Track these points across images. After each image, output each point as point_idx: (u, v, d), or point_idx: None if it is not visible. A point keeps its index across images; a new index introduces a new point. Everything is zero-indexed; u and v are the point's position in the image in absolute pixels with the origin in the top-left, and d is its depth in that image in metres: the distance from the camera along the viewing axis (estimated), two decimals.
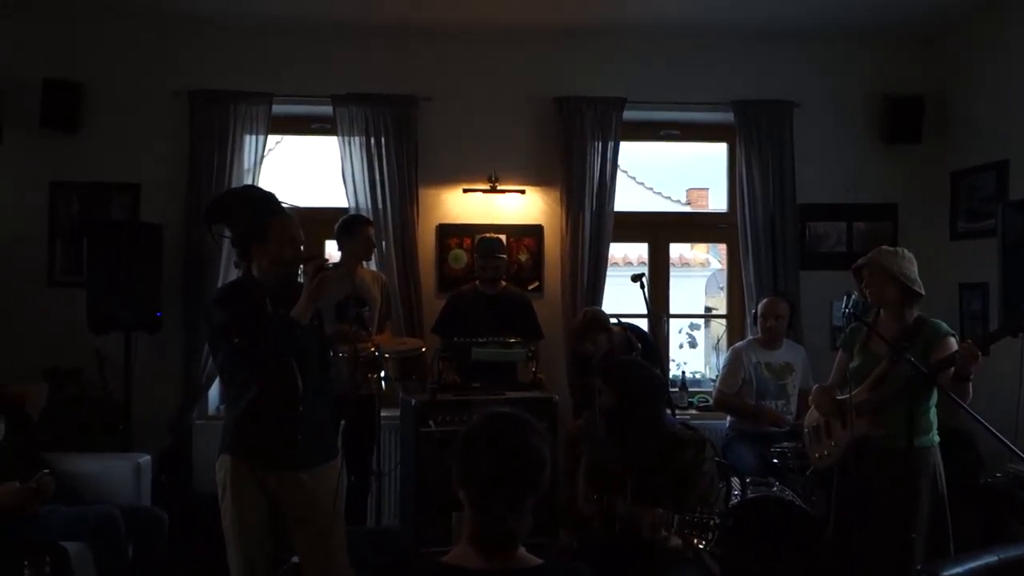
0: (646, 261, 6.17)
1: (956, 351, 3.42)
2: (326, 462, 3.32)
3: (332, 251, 5.46)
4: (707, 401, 5.96)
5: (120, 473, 4.62)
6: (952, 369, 3.42)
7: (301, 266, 3.30)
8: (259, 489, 3.21)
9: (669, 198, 12.22)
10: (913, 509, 3.51)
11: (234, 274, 5.32)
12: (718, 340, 6.20)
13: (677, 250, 6.36)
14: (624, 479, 3.51)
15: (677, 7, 5.29)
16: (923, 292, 3.67)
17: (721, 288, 6.40)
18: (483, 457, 1.91)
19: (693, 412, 5.85)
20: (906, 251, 3.73)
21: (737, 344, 5.37)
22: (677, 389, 5.92)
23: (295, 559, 3.60)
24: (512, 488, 1.89)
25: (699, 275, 11.79)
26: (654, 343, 5.11)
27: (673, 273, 6.27)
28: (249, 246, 3.25)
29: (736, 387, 5.11)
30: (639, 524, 3.34)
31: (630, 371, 3.60)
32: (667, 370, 5.88)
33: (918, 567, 2.66)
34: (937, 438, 3.71)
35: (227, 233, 3.33)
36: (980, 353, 3.35)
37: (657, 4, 5.24)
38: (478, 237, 5.50)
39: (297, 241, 3.24)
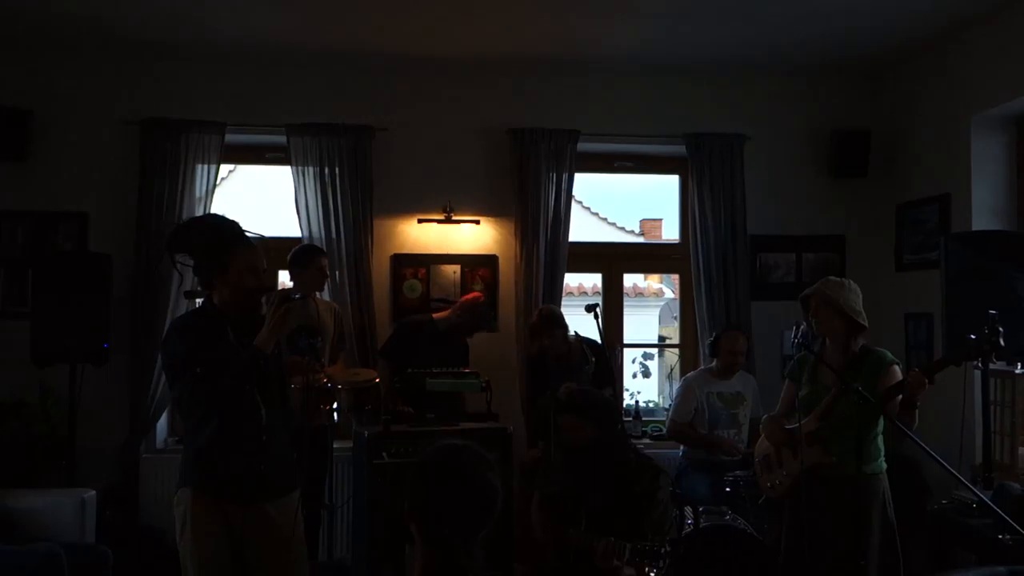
0: (600, 291, 6.20)
1: (904, 379, 3.49)
2: (289, 493, 3.27)
3: (285, 281, 5.41)
4: (660, 430, 5.99)
5: (64, 509, 4.50)
6: (900, 397, 3.49)
7: (263, 296, 3.25)
8: (222, 523, 3.14)
9: (623, 228, 12.37)
10: (864, 536, 3.56)
11: (184, 305, 5.29)
12: (671, 369, 6.25)
13: (631, 280, 6.40)
14: (578, 509, 3.52)
15: (629, 42, 5.36)
16: (866, 324, 3.74)
17: (675, 317, 6.45)
18: (435, 489, 1.90)
19: (647, 441, 5.88)
20: (851, 282, 3.81)
21: (689, 374, 5.42)
22: (631, 418, 5.94)
23: None
24: (464, 521, 1.88)
25: (653, 305, 11.90)
26: (609, 359, 5.16)
27: (627, 303, 6.31)
28: (211, 275, 3.19)
29: (689, 416, 5.17)
30: (592, 553, 3.34)
31: (599, 401, 3.63)
32: (621, 395, 5.92)
33: None
34: (885, 465, 3.77)
35: (189, 262, 3.26)
36: (927, 381, 3.42)
37: (610, 39, 5.31)
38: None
39: (259, 270, 3.19)
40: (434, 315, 5.28)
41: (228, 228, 3.25)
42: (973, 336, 3.45)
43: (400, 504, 1.94)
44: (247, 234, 3.26)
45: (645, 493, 3.46)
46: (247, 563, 3.20)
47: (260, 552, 3.19)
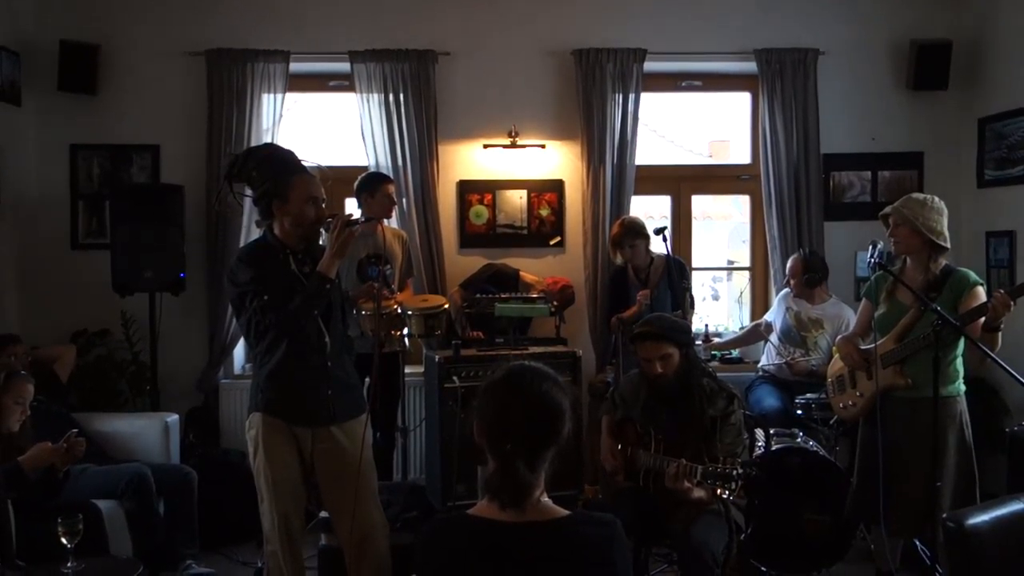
0: (668, 215, 6.12)
1: (987, 301, 3.38)
2: (355, 416, 3.36)
3: (353, 209, 5.44)
4: (731, 353, 5.96)
5: (149, 433, 4.70)
6: (982, 320, 3.39)
7: (323, 225, 3.28)
8: (291, 445, 3.27)
9: (691, 151, 12.12)
10: (940, 459, 3.49)
11: (256, 233, 5.36)
12: (740, 293, 6.16)
13: (699, 205, 6.29)
14: (649, 432, 3.53)
15: None
16: (948, 245, 3.61)
17: (744, 241, 6.34)
18: (498, 403, 1.92)
19: (716, 364, 5.84)
20: (935, 200, 3.65)
21: (786, 290, 5.34)
22: (701, 342, 5.90)
23: (323, 514, 3.66)
24: (528, 439, 1.89)
25: (721, 228, 11.70)
26: (688, 278, 5.18)
27: (695, 225, 6.21)
28: (271, 205, 3.24)
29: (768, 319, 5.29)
30: (662, 476, 3.36)
31: (678, 323, 3.62)
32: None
33: (944, 516, 2.64)
34: (963, 387, 3.68)
35: (248, 192, 3.31)
36: (1012, 303, 3.31)
37: None
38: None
39: (319, 200, 3.24)
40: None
41: (286, 158, 3.28)
42: None
43: (471, 425, 1.97)
44: (304, 163, 3.29)
45: (719, 416, 3.45)
46: (318, 483, 3.35)
47: (328, 473, 3.31)
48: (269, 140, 5.44)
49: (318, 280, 3.16)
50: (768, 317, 5.33)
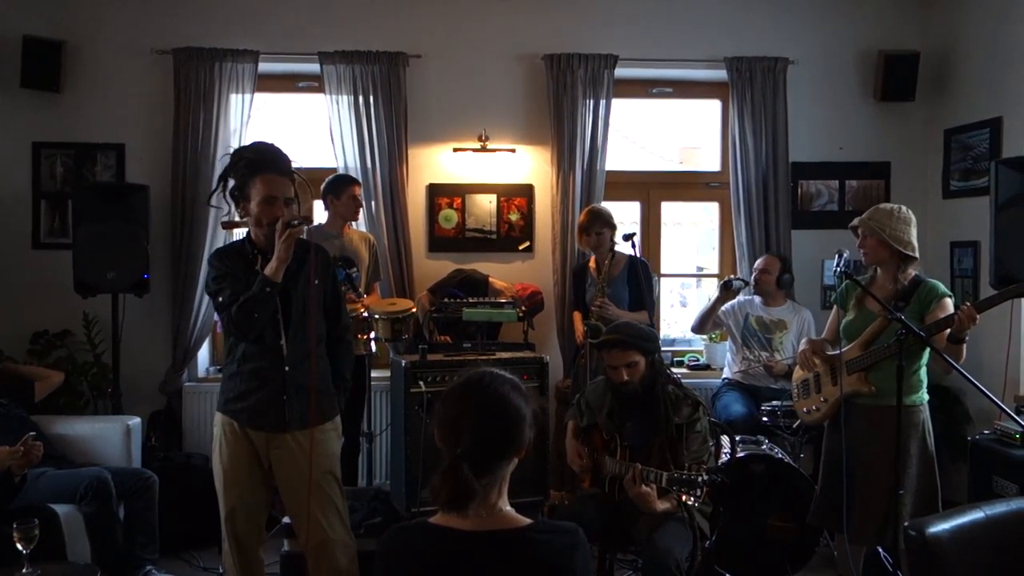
0: (637, 221, 6.13)
1: (954, 313, 3.40)
2: (322, 422, 3.30)
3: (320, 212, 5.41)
4: (698, 360, 5.98)
5: (110, 436, 4.62)
6: (948, 331, 3.41)
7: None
8: (247, 447, 3.25)
9: (661, 157, 12.16)
10: (902, 467, 3.52)
11: (222, 236, 5.32)
12: (709, 299, 6.19)
13: (669, 211, 6.30)
14: (613, 438, 3.53)
15: None
16: (916, 256, 3.64)
17: (713, 248, 6.36)
18: (456, 409, 1.90)
19: (684, 371, 5.86)
20: (904, 210, 3.66)
21: (741, 298, 5.37)
22: (668, 348, 5.95)
23: (286, 519, 3.62)
24: (481, 441, 1.87)
25: (690, 235, 11.76)
26: (650, 279, 5.18)
27: (664, 232, 6.22)
28: (236, 204, 3.23)
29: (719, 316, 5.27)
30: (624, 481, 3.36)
31: (643, 331, 3.61)
32: (658, 323, 5.89)
33: (906, 524, 2.66)
34: (926, 396, 3.71)
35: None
36: (977, 316, 3.34)
37: None
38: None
39: (277, 200, 3.15)
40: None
41: (260, 158, 3.20)
42: None
43: (432, 437, 1.96)
44: (281, 164, 3.22)
45: (685, 424, 3.45)
46: (282, 487, 3.31)
47: (284, 480, 3.29)
48: (236, 141, 5.40)
49: (260, 284, 3.12)
50: (724, 309, 5.28)
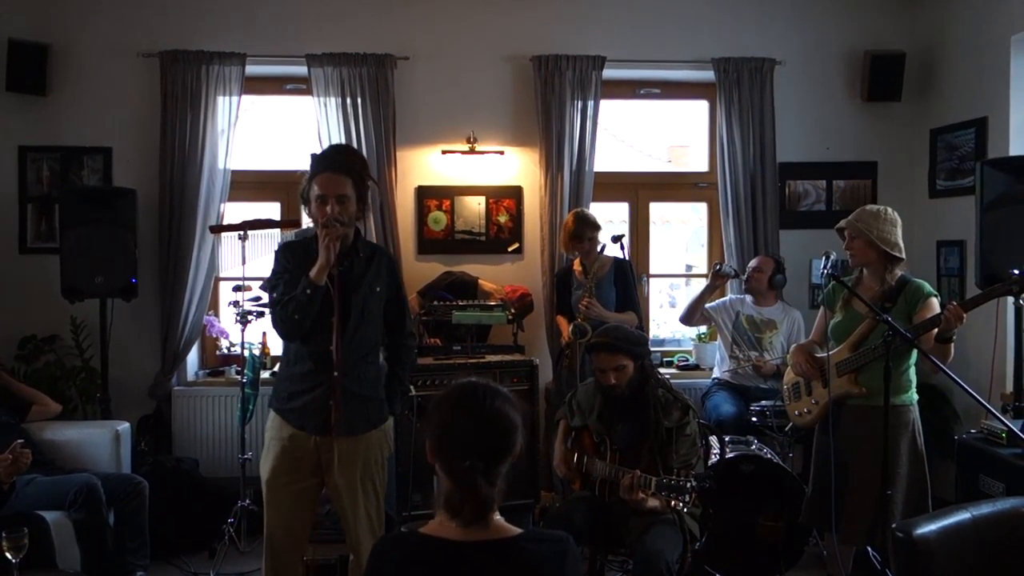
0: (627, 220, 6.14)
1: (941, 313, 3.43)
2: (363, 432, 3.26)
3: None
4: (687, 360, 6.00)
5: (99, 441, 4.62)
6: (935, 330, 3.44)
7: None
8: (298, 450, 3.21)
9: (650, 156, 12.18)
10: (892, 467, 3.54)
11: (210, 240, 5.32)
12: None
13: (658, 209, 6.32)
14: (603, 441, 3.54)
15: None
16: (903, 256, 3.67)
17: (702, 245, 6.38)
18: (455, 426, 1.91)
19: (673, 371, 5.88)
20: (889, 211, 3.70)
21: (731, 296, 5.39)
22: (659, 350, 5.97)
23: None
24: (485, 455, 1.89)
25: (679, 232, 11.78)
26: (635, 281, 5.16)
27: (653, 231, 6.24)
28: (309, 206, 3.21)
29: (711, 308, 5.29)
30: (617, 485, 3.38)
31: (632, 335, 3.62)
32: (648, 324, 5.90)
33: (894, 526, 2.68)
34: (916, 396, 3.74)
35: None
36: (964, 315, 3.37)
37: None
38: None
39: (327, 198, 3.10)
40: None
41: (320, 157, 3.24)
42: (1016, 271, 3.36)
43: (423, 442, 1.96)
44: (338, 162, 3.18)
45: (674, 427, 3.46)
46: (328, 488, 3.28)
47: (332, 487, 3.25)
48: (224, 143, 5.39)
49: (302, 285, 3.07)
50: (710, 306, 5.29)
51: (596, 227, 4.95)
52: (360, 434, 3.24)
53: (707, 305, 5.26)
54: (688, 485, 3.21)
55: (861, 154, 5.90)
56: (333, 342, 3.14)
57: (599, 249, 4.90)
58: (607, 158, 6.08)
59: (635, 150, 11.87)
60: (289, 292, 3.11)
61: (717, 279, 5.20)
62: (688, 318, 5.31)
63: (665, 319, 6.91)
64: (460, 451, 1.89)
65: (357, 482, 3.23)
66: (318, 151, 3.41)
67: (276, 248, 3.34)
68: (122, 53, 5.42)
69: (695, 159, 6.51)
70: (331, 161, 3.19)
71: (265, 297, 4.65)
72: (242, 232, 4.76)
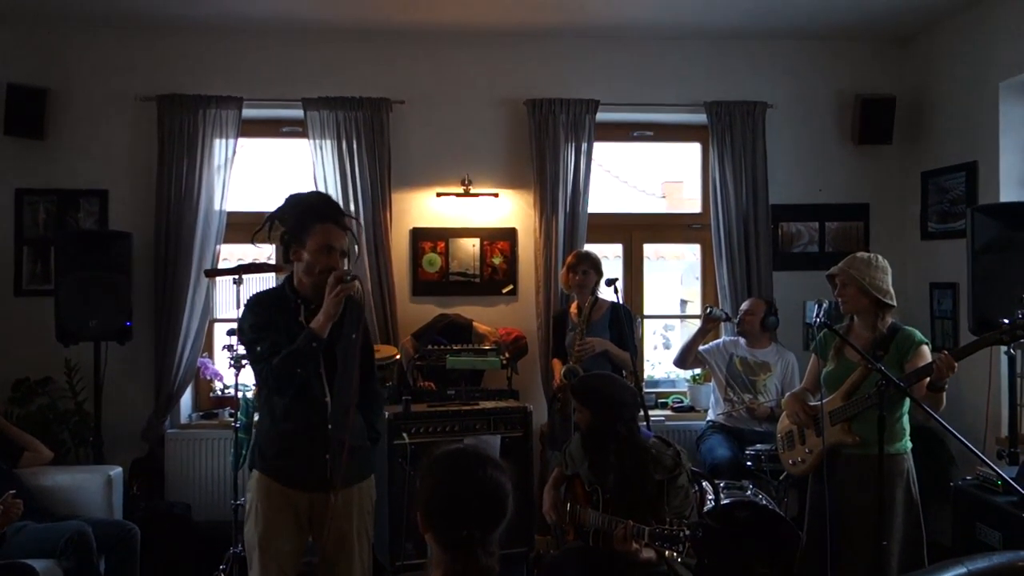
0: (620, 255, 6.17)
1: (932, 362, 3.44)
2: (360, 480, 3.24)
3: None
4: (682, 401, 6.00)
5: (91, 487, 4.60)
6: (927, 379, 3.44)
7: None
8: (288, 511, 3.14)
9: (644, 191, 12.24)
10: (887, 516, 3.53)
11: (204, 283, 5.32)
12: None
13: (653, 245, 6.36)
14: (595, 490, 3.53)
15: (649, 9, 5.28)
16: (894, 303, 3.68)
17: (696, 278, 6.40)
18: (448, 496, 1.91)
19: (667, 412, 5.88)
20: (879, 259, 3.73)
21: (725, 338, 5.41)
22: (653, 392, 5.98)
23: None
24: (481, 525, 1.89)
25: (674, 268, 11.81)
26: (632, 325, 5.13)
27: (648, 267, 6.26)
28: (290, 249, 3.16)
29: (705, 350, 5.28)
30: (610, 535, 3.36)
31: (603, 388, 3.59)
32: (642, 366, 5.89)
33: None
34: (910, 444, 3.73)
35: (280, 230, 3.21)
36: (955, 364, 3.38)
37: (629, 6, 5.22)
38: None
39: (335, 250, 3.12)
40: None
41: (317, 206, 3.17)
42: (1006, 320, 3.38)
43: (413, 515, 1.95)
44: (342, 216, 3.18)
45: (665, 479, 3.45)
46: (314, 545, 3.20)
47: (320, 537, 3.15)
48: (220, 184, 5.41)
49: (306, 339, 3.03)
50: (704, 348, 5.29)
51: (594, 263, 4.94)
52: (354, 485, 3.21)
53: (701, 348, 5.27)
54: (681, 534, 3.19)
55: (853, 196, 5.94)
56: (327, 392, 3.12)
57: (592, 291, 4.90)
58: (602, 195, 6.11)
59: (629, 186, 11.96)
60: (276, 345, 3.05)
61: (708, 323, 5.22)
62: (682, 361, 5.32)
63: (660, 360, 6.92)
64: (455, 522, 1.88)
65: (353, 534, 3.19)
66: (294, 192, 3.29)
67: (244, 306, 3.23)
68: (120, 97, 5.46)
69: (690, 192, 6.55)
70: (335, 213, 3.17)
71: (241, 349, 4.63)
72: (237, 276, 4.77)
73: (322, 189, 5.46)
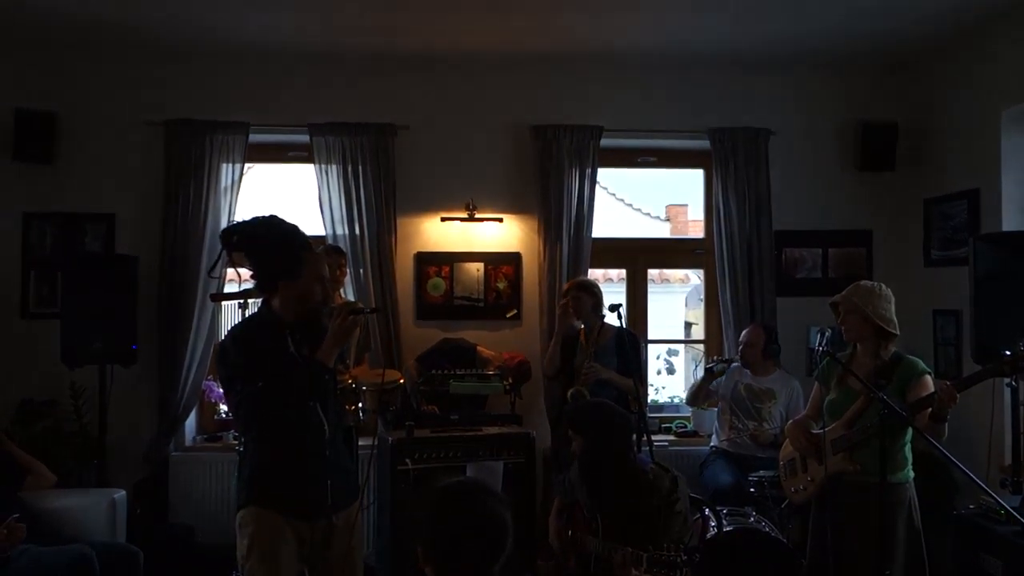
0: (625, 278, 6.19)
1: (934, 392, 3.44)
2: (352, 502, 3.24)
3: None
4: (686, 426, 5.99)
5: (95, 509, 4.59)
6: (929, 409, 3.45)
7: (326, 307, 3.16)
8: (290, 544, 3.05)
9: (648, 215, 12.30)
10: (889, 545, 3.53)
11: (210, 307, 5.34)
12: (696, 364, 6.24)
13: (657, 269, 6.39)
14: (594, 518, 3.53)
15: (652, 37, 5.32)
16: (897, 332, 3.69)
17: (700, 299, 6.42)
18: (449, 530, 1.92)
19: (671, 438, 5.88)
20: (883, 287, 3.74)
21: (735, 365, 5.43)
22: (656, 416, 5.98)
23: None
24: (484, 558, 1.89)
25: (679, 291, 11.84)
26: (638, 350, 5.18)
27: (652, 289, 6.28)
28: (277, 280, 3.08)
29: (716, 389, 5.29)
30: (610, 562, 3.36)
31: (597, 417, 3.60)
32: (646, 392, 5.90)
33: None
34: (912, 474, 3.73)
35: (244, 262, 3.12)
36: (957, 395, 3.38)
37: (633, 33, 5.26)
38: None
39: (325, 279, 3.14)
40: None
41: (296, 234, 3.13)
42: (1007, 352, 3.38)
43: (414, 547, 1.96)
44: (332, 247, 3.21)
45: (662, 505, 3.45)
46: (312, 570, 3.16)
47: (324, 563, 3.14)
48: (226, 207, 5.45)
49: (318, 369, 3.01)
50: (716, 384, 5.32)
51: (582, 286, 5.00)
52: (350, 506, 3.22)
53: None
54: (679, 559, 3.19)
55: (856, 222, 5.96)
56: (323, 419, 3.11)
57: (592, 311, 4.93)
58: (606, 219, 6.13)
59: (633, 210, 12.03)
60: (273, 378, 2.95)
61: (712, 377, 5.24)
62: (692, 403, 5.42)
63: (663, 384, 6.93)
64: (456, 557, 1.89)
65: (354, 554, 3.20)
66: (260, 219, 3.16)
67: (230, 340, 3.10)
68: (127, 122, 5.52)
69: (694, 214, 6.58)
70: (307, 240, 3.16)
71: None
72: (242, 300, 4.79)
73: (327, 213, 5.52)
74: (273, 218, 3.18)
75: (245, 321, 3.32)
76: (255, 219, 3.13)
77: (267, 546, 3.01)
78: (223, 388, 3.17)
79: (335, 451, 3.14)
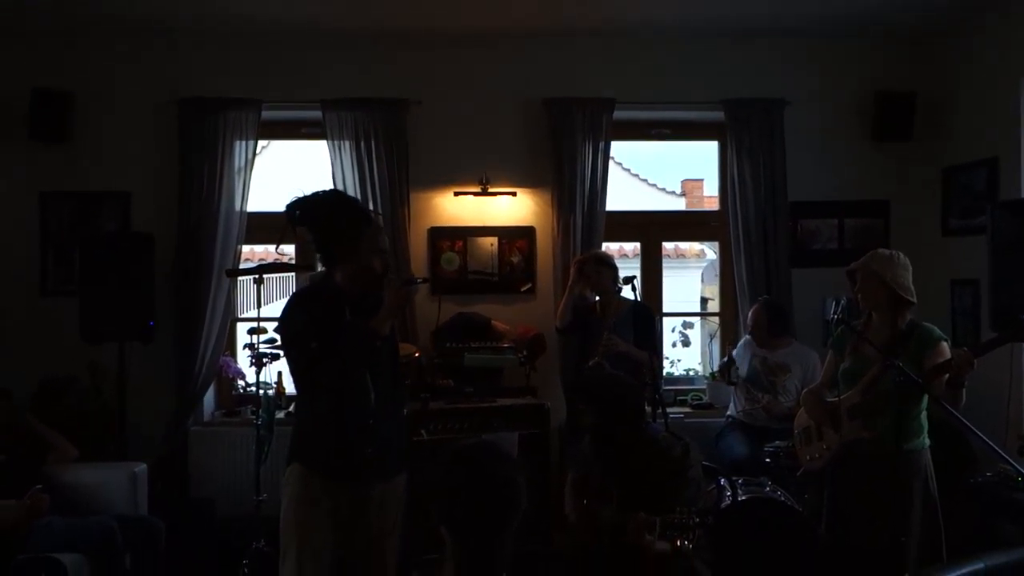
0: (640, 252, 6.17)
1: (951, 358, 3.42)
2: (395, 476, 3.27)
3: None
4: (701, 399, 5.99)
5: (116, 483, 4.66)
6: (946, 376, 3.43)
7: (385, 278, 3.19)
8: (328, 504, 3.12)
9: (664, 190, 12.23)
10: (905, 512, 3.52)
11: (226, 283, 5.38)
12: (711, 337, 6.22)
13: (672, 242, 6.35)
14: (608, 488, 3.54)
15: (665, 7, 5.28)
16: (914, 300, 3.66)
17: (716, 275, 6.40)
18: (461, 493, 1.93)
19: (687, 410, 5.88)
20: (901, 256, 3.70)
21: (747, 336, 5.42)
22: (672, 388, 5.98)
23: None
24: (493, 519, 1.91)
25: (695, 266, 11.79)
26: (654, 323, 5.17)
27: (667, 264, 6.26)
28: (337, 252, 3.15)
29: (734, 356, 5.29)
30: (623, 530, 3.37)
31: (607, 389, 3.61)
32: (661, 364, 5.89)
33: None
34: (928, 441, 3.71)
35: (309, 236, 3.18)
36: (975, 361, 3.35)
37: (646, 5, 5.22)
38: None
39: (384, 252, 3.19)
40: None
41: (357, 207, 3.22)
42: None
43: (429, 509, 1.97)
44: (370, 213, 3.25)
45: (675, 472, 3.46)
46: (349, 544, 3.19)
47: (358, 532, 3.17)
48: (240, 184, 5.48)
49: (371, 337, 3.07)
50: (735, 353, 5.32)
51: (606, 263, 4.97)
52: (392, 480, 3.25)
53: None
54: (692, 522, 3.19)
55: (873, 193, 5.91)
56: (371, 389, 3.14)
57: (613, 287, 4.92)
58: (620, 193, 6.11)
59: (648, 185, 11.96)
60: (330, 342, 3.03)
61: (728, 370, 5.21)
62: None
63: (679, 357, 6.92)
64: (469, 516, 1.90)
65: (389, 527, 3.22)
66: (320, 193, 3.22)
67: (293, 303, 3.21)
68: (142, 101, 5.55)
69: (710, 190, 6.54)
70: (367, 213, 3.22)
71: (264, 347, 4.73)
72: (257, 276, 4.82)
73: (341, 189, 5.51)
74: (335, 192, 3.33)
75: (306, 288, 3.37)
76: (317, 193, 3.20)
77: (304, 506, 3.11)
78: (284, 350, 3.27)
79: (383, 422, 3.16)
